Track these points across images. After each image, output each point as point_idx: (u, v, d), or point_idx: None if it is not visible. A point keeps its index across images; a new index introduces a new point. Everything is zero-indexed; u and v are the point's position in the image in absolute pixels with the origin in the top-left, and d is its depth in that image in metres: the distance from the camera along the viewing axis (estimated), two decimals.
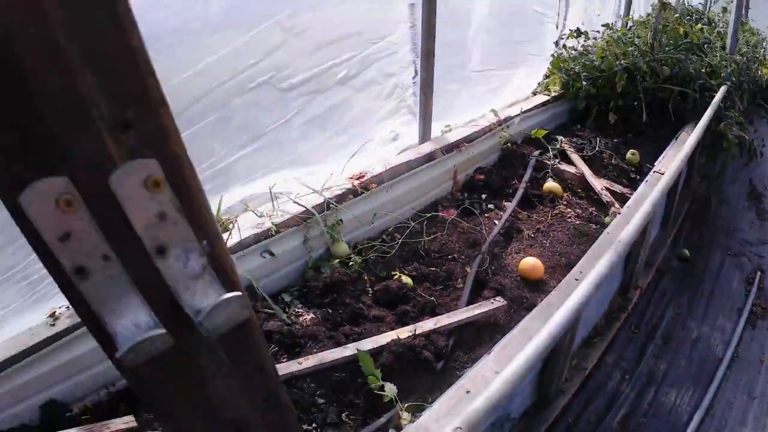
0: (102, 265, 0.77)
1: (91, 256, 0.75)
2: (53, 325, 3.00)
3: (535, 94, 5.99)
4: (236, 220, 3.37)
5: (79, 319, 2.94)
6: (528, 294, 3.62)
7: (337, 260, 3.54)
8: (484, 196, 4.59)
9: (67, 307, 3.04)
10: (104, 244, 0.76)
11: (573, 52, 6.39)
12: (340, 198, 3.72)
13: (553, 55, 6.36)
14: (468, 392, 2.44)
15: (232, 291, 0.89)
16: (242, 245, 3.25)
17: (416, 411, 2.66)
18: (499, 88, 5.63)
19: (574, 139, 5.49)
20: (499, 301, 3.38)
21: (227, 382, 1.05)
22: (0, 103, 0.63)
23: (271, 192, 3.53)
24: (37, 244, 0.72)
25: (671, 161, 4.51)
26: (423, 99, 4.36)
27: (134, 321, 0.80)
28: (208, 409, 1.07)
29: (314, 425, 2.69)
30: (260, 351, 1.10)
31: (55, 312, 3.04)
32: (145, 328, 0.80)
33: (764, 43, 9.20)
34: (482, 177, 4.77)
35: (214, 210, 3.35)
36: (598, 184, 4.72)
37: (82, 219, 0.73)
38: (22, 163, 0.67)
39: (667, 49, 6.18)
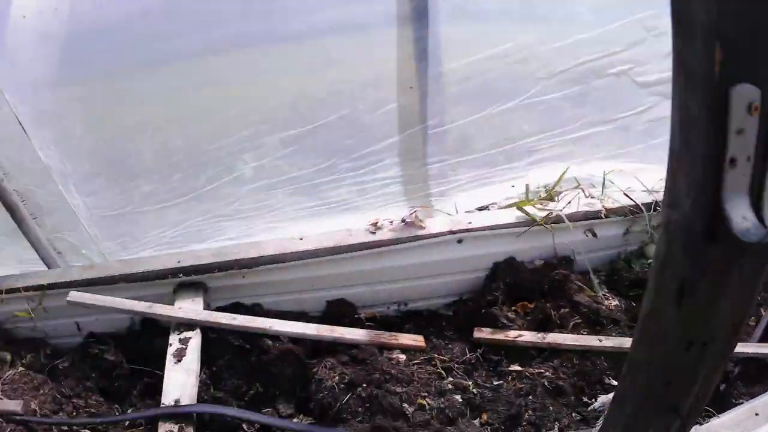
0: (744, 163, 0.92)
1: (743, 153, 0.90)
2: (373, 233, 3.16)
3: None
4: (577, 193, 3.46)
5: (402, 235, 3.17)
6: None
7: (649, 261, 3.53)
8: None
9: (390, 221, 3.22)
10: (752, 147, 0.90)
11: None
12: None
13: None
14: (757, 414, 2.49)
15: None
16: (571, 218, 3.33)
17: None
18: None
19: None
20: None
21: (735, 294, 1.13)
22: None
23: (604, 177, 3.59)
24: (709, 127, 0.90)
25: None
26: None
27: (742, 214, 0.95)
28: (715, 310, 1.17)
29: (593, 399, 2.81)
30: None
31: (378, 222, 3.20)
32: (750, 222, 0.95)
33: None
34: None
35: (555, 177, 3.54)
36: None
37: (754, 125, 0.87)
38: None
39: None
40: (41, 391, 3.13)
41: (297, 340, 3.00)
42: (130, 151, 3.37)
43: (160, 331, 3.11)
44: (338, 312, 3.25)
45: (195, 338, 2.78)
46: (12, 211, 3.24)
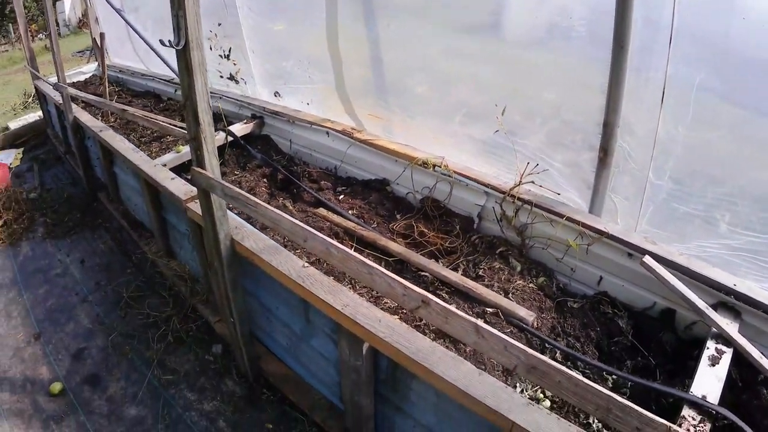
0: None
1: None
2: None
3: None
4: None
5: None
6: None
7: None
8: None
9: None
10: None
11: None
12: None
13: None
14: None
15: None
16: None
17: None
18: None
19: None
20: None
21: None
22: None
23: None
24: None
25: None
26: None
27: None
28: None
29: None
30: None
31: None
32: None
33: None
34: None
35: None
36: None
37: None
38: None
39: None
40: (545, 314, 3.36)
41: None
42: None
43: (673, 326, 3.33)
44: None
45: (728, 355, 2.83)
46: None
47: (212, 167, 3.11)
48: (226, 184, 3.00)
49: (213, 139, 3.06)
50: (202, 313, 4.83)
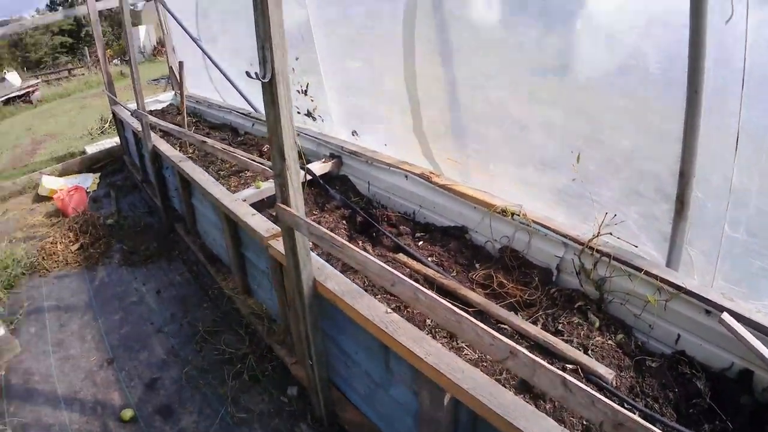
0: None
1: None
2: None
3: None
4: None
5: None
6: None
7: None
8: None
9: None
10: None
11: None
12: None
13: None
14: None
15: None
16: None
17: None
18: None
19: None
20: None
21: None
22: None
23: None
24: None
25: None
26: None
27: None
28: None
29: None
30: None
31: None
32: None
33: None
34: None
35: None
36: None
37: None
38: None
39: None
40: (623, 373, 3.38)
41: None
42: None
43: (751, 388, 3.21)
44: None
45: None
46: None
47: (297, 205, 3.17)
48: (312, 222, 3.04)
49: (299, 176, 3.13)
50: (278, 354, 4.93)
